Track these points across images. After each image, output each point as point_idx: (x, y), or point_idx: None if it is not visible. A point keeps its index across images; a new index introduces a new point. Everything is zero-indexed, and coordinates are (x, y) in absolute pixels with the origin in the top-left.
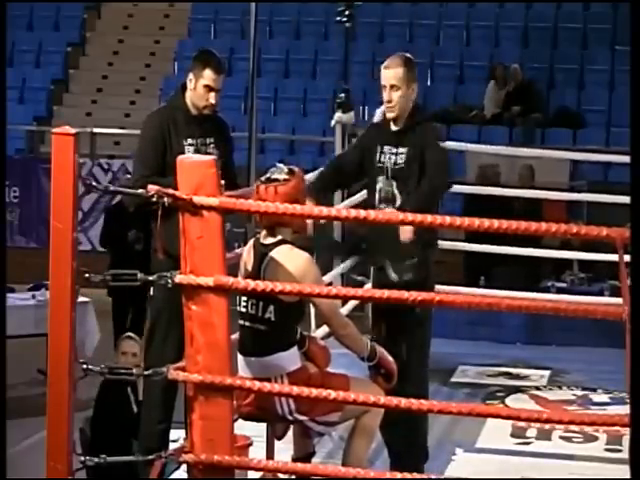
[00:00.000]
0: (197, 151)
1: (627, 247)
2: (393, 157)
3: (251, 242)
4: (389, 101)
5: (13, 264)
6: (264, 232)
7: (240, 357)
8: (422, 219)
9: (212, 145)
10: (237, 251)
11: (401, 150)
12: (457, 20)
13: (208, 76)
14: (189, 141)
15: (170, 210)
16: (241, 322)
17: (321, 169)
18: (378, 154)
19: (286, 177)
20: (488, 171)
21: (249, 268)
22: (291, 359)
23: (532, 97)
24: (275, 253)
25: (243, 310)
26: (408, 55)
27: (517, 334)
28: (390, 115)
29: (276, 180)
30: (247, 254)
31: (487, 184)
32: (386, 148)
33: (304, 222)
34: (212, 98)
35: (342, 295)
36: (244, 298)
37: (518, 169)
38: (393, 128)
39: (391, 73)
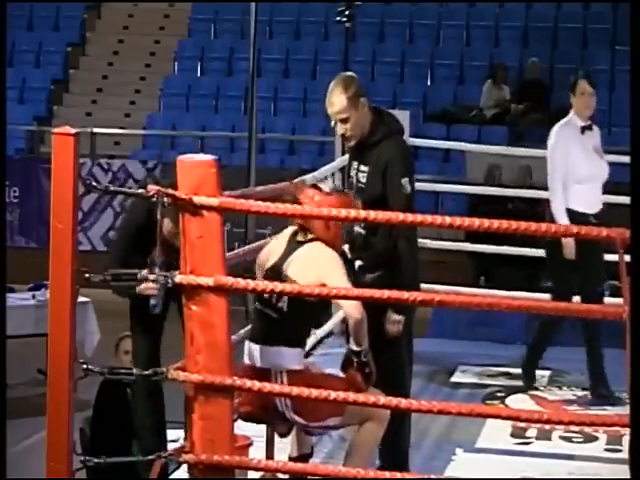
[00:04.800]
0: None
1: (627, 247)
2: (359, 174)
3: (281, 236)
4: (343, 134)
5: (13, 264)
6: (300, 231)
7: (246, 344)
8: (422, 219)
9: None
10: (237, 251)
11: (363, 168)
12: (457, 20)
13: None
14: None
15: None
16: (256, 304)
17: None
18: (350, 168)
19: (328, 192)
20: (495, 171)
21: (272, 260)
22: (292, 358)
23: (539, 95)
24: (305, 248)
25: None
26: (344, 75)
27: (517, 334)
28: (351, 143)
29: (319, 189)
30: (273, 247)
31: (494, 185)
32: (354, 164)
33: (338, 239)
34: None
35: (342, 295)
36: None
37: (516, 169)
38: (352, 143)
39: (335, 108)
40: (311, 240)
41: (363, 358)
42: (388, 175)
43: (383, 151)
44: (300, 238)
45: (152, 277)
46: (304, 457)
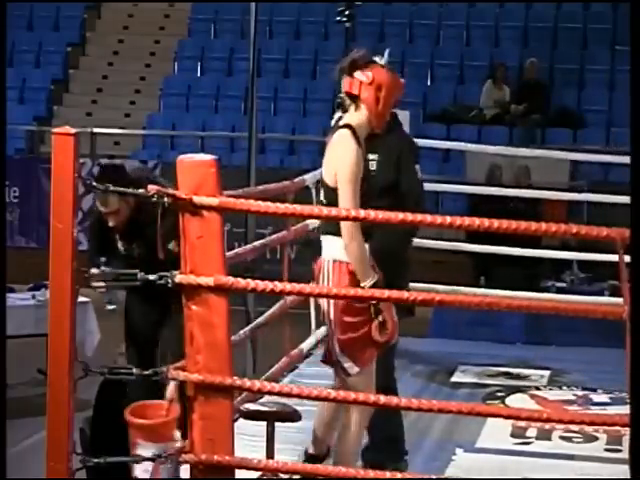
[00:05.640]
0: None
1: (627, 247)
2: (368, 162)
3: None
4: None
5: (13, 264)
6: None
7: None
8: (422, 219)
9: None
10: (237, 251)
11: (372, 157)
12: (457, 20)
13: None
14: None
15: None
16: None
17: None
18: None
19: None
20: (496, 171)
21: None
22: (336, 247)
23: (539, 96)
24: (337, 134)
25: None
26: None
27: (517, 334)
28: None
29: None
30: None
31: (495, 184)
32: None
33: (384, 116)
34: None
35: (342, 295)
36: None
37: (515, 169)
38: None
39: None
40: (341, 127)
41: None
42: (403, 162)
43: (392, 141)
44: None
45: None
46: (319, 458)
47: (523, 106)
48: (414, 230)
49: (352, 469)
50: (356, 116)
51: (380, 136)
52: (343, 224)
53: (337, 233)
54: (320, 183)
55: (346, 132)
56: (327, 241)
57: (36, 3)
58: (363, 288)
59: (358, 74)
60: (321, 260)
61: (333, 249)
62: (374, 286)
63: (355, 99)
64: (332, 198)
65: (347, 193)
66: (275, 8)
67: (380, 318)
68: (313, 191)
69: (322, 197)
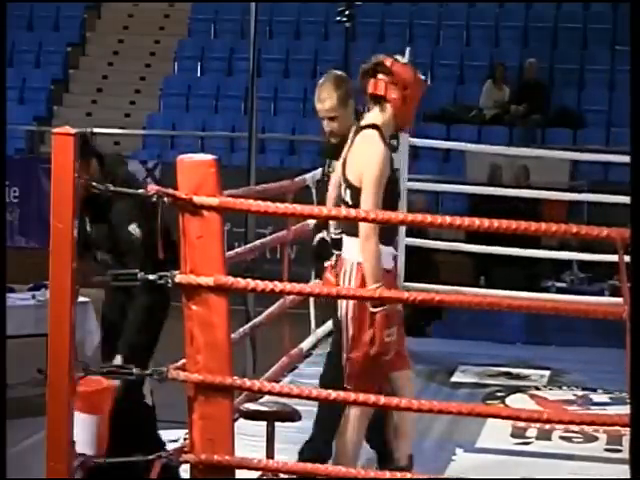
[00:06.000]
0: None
1: (627, 247)
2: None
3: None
4: (330, 132)
5: (13, 264)
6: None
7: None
8: (423, 219)
9: None
10: (237, 251)
11: None
12: (457, 20)
13: None
14: None
15: None
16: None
17: None
18: (325, 166)
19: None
20: (496, 171)
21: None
22: (357, 251)
23: (539, 96)
24: (362, 134)
25: (342, 196)
26: (337, 73)
27: (517, 334)
28: (333, 140)
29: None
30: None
31: (495, 184)
32: (334, 162)
33: (409, 113)
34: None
35: (342, 295)
36: (344, 186)
37: (514, 169)
38: (336, 141)
39: (326, 105)
40: (366, 127)
41: (370, 306)
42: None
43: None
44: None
45: (152, 277)
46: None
47: (523, 106)
48: None
49: (352, 469)
50: (381, 116)
51: None
52: (361, 223)
53: (355, 234)
54: (344, 183)
55: (373, 132)
56: (350, 242)
57: (36, 3)
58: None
59: (382, 75)
60: (343, 260)
61: (356, 250)
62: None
63: (379, 100)
64: (359, 199)
65: (370, 193)
66: (275, 8)
67: (370, 331)
68: (313, 190)
69: (347, 198)
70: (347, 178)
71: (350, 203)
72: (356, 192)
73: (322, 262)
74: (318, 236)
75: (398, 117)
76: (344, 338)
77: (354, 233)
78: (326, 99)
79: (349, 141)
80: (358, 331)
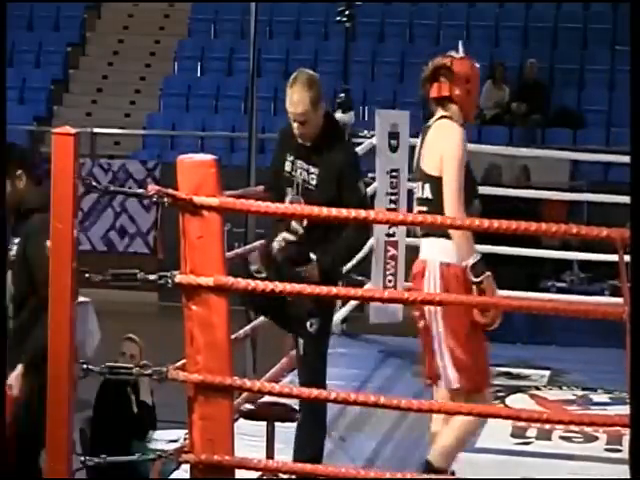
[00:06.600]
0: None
1: (627, 247)
2: (304, 173)
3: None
4: (301, 134)
5: None
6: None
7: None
8: (423, 219)
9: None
10: (237, 251)
11: (313, 170)
12: (457, 20)
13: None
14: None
15: None
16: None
17: (268, 181)
18: (288, 163)
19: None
20: (495, 171)
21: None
22: (442, 250)
23: (539, 96)
24: (436, 125)
25: (418, 195)
26: (308, 73)
27: (517, 334)
28: (303, 141)
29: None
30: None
31: (495, 184)
32: (298, 162)
33: (474, 105)
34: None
35: (342, 295)
36: (414, 184)
37: (514, 169)
38: (305, 143)
39: (299, 110)
40: (439, 118)
41: (473, 279)
42: (345, 179)
43: (336, 155)
44: (429, 123)
45: (152, 277)
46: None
47: (523, 106)
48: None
49: (352, 469)
50: (449, 114)
51: (323, 149)
52: (448, 196)
53: (443, 235)
54: (420, 181)
55: (447, 120)
56: (431, 243)
57: (36, 3)
58: (476, 283)
59: (443, 77)
60: (423, 262)
61: (438, 251)
62: (475, 266)
63: (443, 101)
64: (440, 190)
65: (453, 174)
66: (275, 8)
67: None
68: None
69: (427, 193)
70: (425, 173)
71: (431, 198)
72: (437, 183)
73: (296, 266)
74: (282, 237)
75: (464, 110)
76: (436, 343)
77: (434, 233)
78: (299, 103)
79: (419, 141)
80: (457, 323)
